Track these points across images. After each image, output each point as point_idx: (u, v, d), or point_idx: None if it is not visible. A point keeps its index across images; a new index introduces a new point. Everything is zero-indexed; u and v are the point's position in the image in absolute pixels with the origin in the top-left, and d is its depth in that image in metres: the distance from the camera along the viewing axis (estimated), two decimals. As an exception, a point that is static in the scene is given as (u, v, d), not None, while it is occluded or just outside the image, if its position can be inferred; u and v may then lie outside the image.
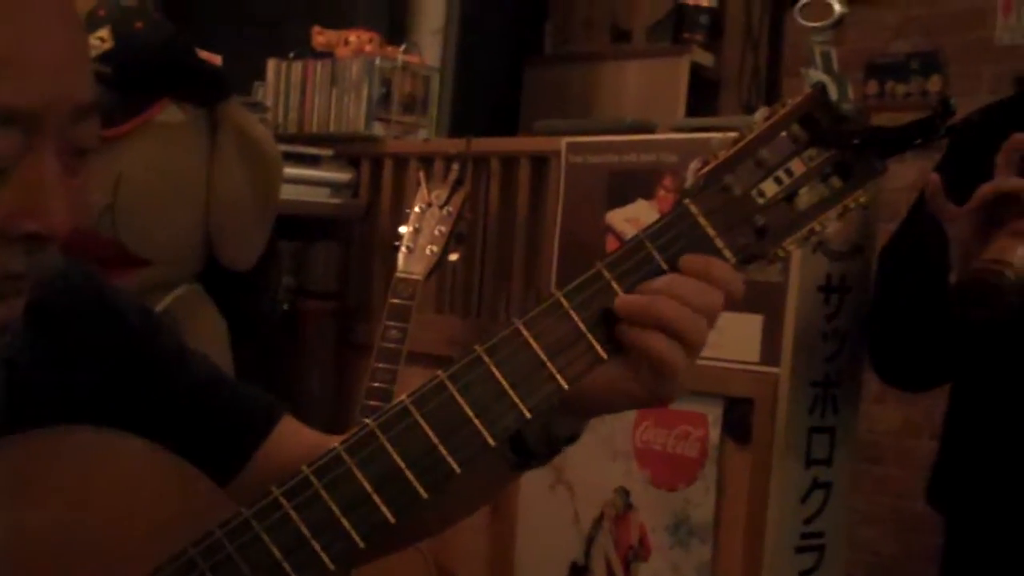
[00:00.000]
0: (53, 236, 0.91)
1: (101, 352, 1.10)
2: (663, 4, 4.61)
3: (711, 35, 4.47)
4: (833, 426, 2.36)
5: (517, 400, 1.00)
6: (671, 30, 4.52)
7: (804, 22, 1.09)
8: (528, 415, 1.00)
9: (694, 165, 1.07)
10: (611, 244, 2.63)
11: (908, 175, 3.98)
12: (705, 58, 4.45)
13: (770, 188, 1.05)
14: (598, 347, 1.01)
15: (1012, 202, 1.53)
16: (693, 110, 4.32)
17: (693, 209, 1.03)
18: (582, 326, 1.01)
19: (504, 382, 1.00)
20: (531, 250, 2.94)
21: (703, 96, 4.44)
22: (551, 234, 2.80)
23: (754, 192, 1.05)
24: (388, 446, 0.98)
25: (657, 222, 1.03)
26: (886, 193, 3.72)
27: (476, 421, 0.99)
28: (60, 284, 1.04)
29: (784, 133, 1.06)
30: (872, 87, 4.17)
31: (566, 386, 1.01)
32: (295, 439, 1.18)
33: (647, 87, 4.46)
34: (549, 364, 1.00)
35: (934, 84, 4.03)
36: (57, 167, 0.91)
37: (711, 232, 1.03)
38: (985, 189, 1.55)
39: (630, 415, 2.54)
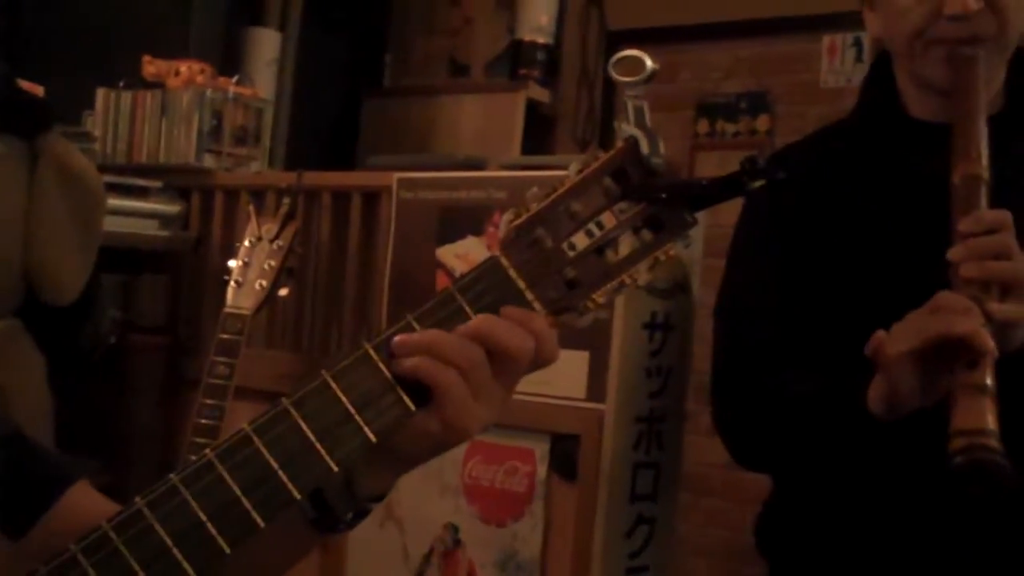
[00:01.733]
0: None
1: None
2: (501, 40, 4.64)
3: (548, 72, 4.51)
4: (658, 462, 2.39)
5: (323, 453, 0.99)
6: (508, 66, 4.56)
7: (618, 77, 1.10)
8: (335, 469, 0.99)
9: (507, 216, 1.07)
10: (441, 280, 2.64)
11: (736, 212, 4.07)
12: (542, 94, 4.50)
13: (581, 241, 1.05)
14: (406, 399, 1.01)
15: (960, 347, 1.40)
16: (529, 146, 4.36)
17: (504, 262, 1.04)
18: (390, 378, 1.00)
19: (311, 435, 0.99)
20: (362, 285, 2.93)
21: (539, 132, 4.48)
22: (382, 269, 2.79)
23: (565, 245, 1.05)
24: (190, 500, 0.97)
25: (468, 274, 1.03)
26: (713, 229, 3.80)
27: (281, 474, 0.98)
28: None
29: (596, 186, 1.06)
30: (703, 126, 4.26)
31: (374, 439, 1.00)
32: (93, 500, 1.14)
33: (484, 122, 4.48)
34: (357, 417, 1.00)
35: (762, 123, 4.13)
36: None
37: (521, 285, 1.03)
38: (932, 332, 1.41)
39: (459, 450, 2.54)
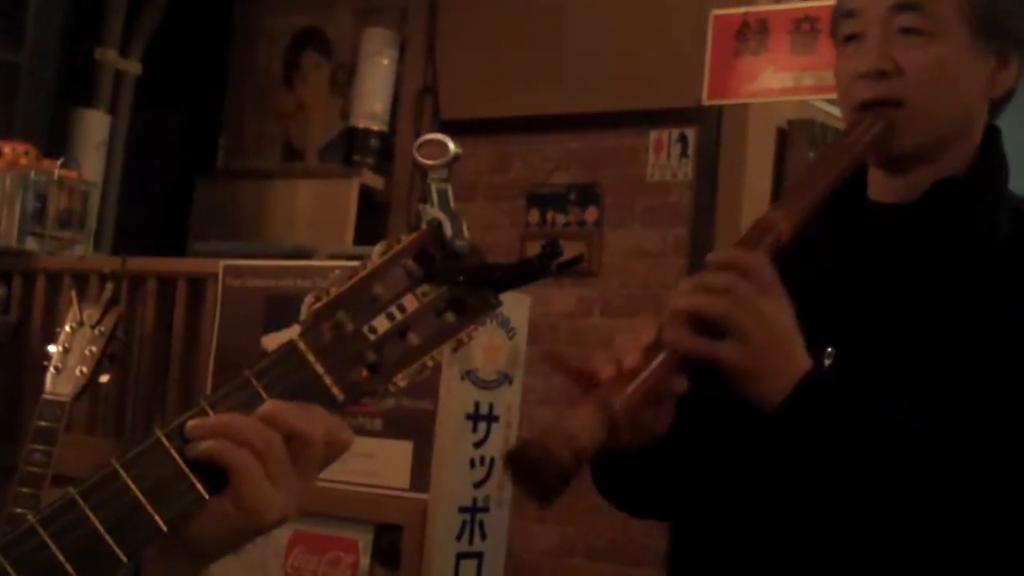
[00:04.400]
0: None
1: None
2: (335, 126, 4.65)
3: (381, 159, 4.52)
4: (481, 551, 2.38)
5: (112, 544, 0.95)
6: (343, 152, 4.56)
7: (422, 160, 1.10)
8: (124, 559, 0.96)
9: (308, 299, 1.06)
10: (267, 367, 2.60)
11: (567, 302, 4.12)
12: (376, 181, 4.50)
13: (382, 324, 1.05)
14: (199, 486, 0.98)
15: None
16: (363, 232, 4.35)
17: (302, 346, 1.02)
18: (183, 465, 0.98)
19: (99, 526, 0.95)
20: (187, 371, 2.88)
21: (373, 218, 4.48)
22: (207, 355, 2.76)
23: (366, 328, 1.04)
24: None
25: (266, 359, 1.02)
26: (542, 318, 3.84)
27: (68, 567, 0.94)
28: None
29: (399, 269, 1.06)
30: (534, 215, 4.30)
31: (165, 528, 0.97)
32: None
33: (318, 207, 4.47)
34: (147, 505, 0.97)
35: (591, 214, 4.19)
36: None
37: (319, 369, 1.02)
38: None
39: (281, 540, 2.50)
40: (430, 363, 1.06)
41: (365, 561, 2.42)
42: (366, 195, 4.46)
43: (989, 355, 1.48)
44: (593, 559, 3.84)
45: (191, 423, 0.99)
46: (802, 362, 1.42)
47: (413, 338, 1.05)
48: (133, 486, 0.97)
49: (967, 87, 1.58)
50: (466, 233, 1.08)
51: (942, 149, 1.59)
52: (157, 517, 0.97)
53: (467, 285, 1.05)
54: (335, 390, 1.02)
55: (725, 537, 1.64)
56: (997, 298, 1.51)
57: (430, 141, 1.12)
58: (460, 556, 2.34)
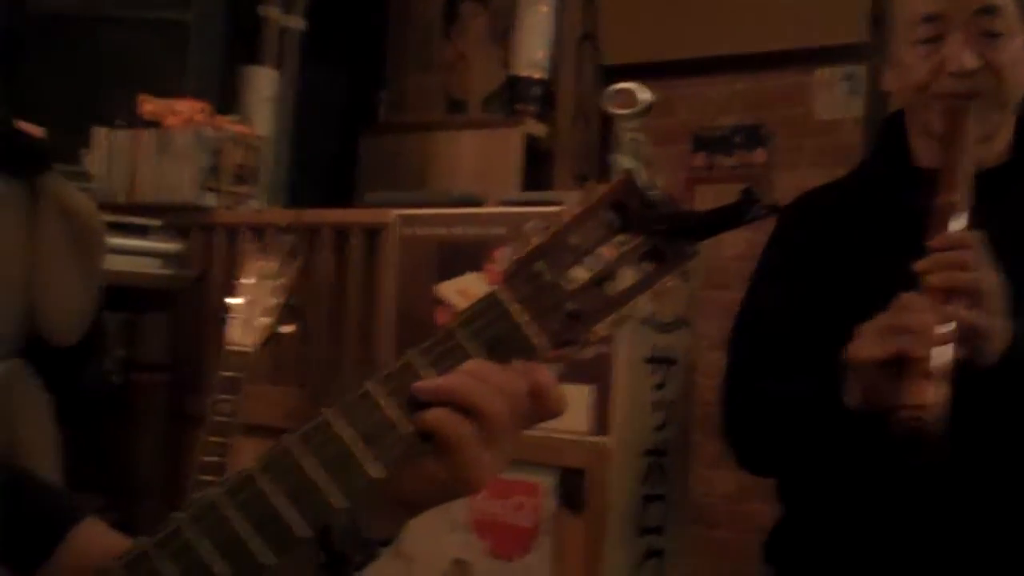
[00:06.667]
0: None
1: None
2: (496, 76, 4.67)
3: (544, 107, 4.53)
4: (664, 495, 2.39)
5: (327, 491, 0.99)
6: (505, 101, 4.57)
7: (613, 110, 1.10)
8: (338, 506, 0.99)
9: (507, 251, 1.08)
10: (442, 315, 2.64)
11: (738, 245, 4.08)
12: (539, 129, 4.51)
13: (581, 274, 1.06)
14: (409, 435, 1.01)
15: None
16: (528, 180, 4.37)
17: (503, 296, 1.04)
18: (391, 415, 1.00)
19: (314, 473, 0.99)
20: (364, 320, 2.93)
21: (538, 166, 4.49)
22: (384, 305, 2.80)
23: (565, 278, 1.05)
24: (198, 539, 0.97)
25: (467, 309, 1.03)
26: (715, 262, 3.82)
27: (287, 512, 0.98)
28: None
29: (596, 219, 1.07)
30: (699, 159, 4.27)
31: (377, 476, 1.00)
32: (99, 538, 1.15)
33: (482, 157, 4.50)
34: (359, 454, 1.00)
35: (758, 156, 4.14)
36: None
37: (521, 319, 1.04)
38: (893, 348, 1.55)
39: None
40: (629, 313, 1.06)
41: (549, 504, 2.45)
42: (530, 143, 4.47)
43: None
44: (770, 503, 3.82)
45: (417, 385, 1.01)
46: (1007, 323, 1.61)
47: (612, 288, 1.06)
48: (346, 434, 1.00)
49: None
50: (660, 182, 1.08)
51: (1002, 126, 1.86)
52: (372, 465, 1.00)
53: (665, 234, 1.06)
54: (536, 340, 1.04)
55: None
56: None
57: (621, 90, 1.12)
58: (645, 499, 2.36)
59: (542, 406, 1.04)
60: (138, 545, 0.97)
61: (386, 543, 1.10)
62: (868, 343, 1.59)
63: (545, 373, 1.03)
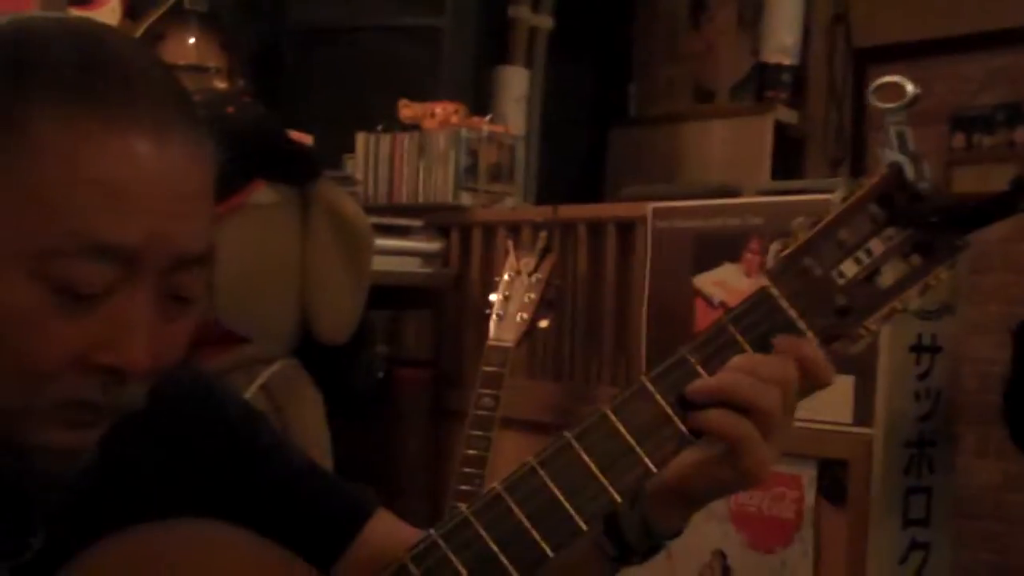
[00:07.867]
0: (130, 372, 0.92)
1: (204, 447, 1.14)
2: (744, 63, 4.64)
3: (794, 93, 4.48)
4: (930, 486, 2.34)
5: (606, 484, 1.02)
6: (754, 89, 4.54)
7: (878, 103, 1.10)
8: (618, 499, 1.02)
9: (774, 246, 1.09)
10: (699, 308, 2.65)
11: (1002, 226, 3.95)
12: (789, 116, 4.46)
13: (850, 268, 1.06)
14: (684, 430, 1.03)
15: None
16: (779, 168, 4.33)
17: (774, 292, 1.05)
18: (668, 410, 1.03)
19: (593, 467, 1.02)
20: (620, 314, 2.96)
21: (789, 154, 4.44)
22: (639, 298, 2.82)
23: (834, 273, 1.06)
24: (481, 531, 1.01)
25: (739, 305, 1.05)
26: (979, 245, 3.71)
27: (567, 505, 1.02)
28: (170, 384, 1.04)
29: (862, 213, 1.07)
30: (959, 140, 4.16)
31: (655, 469, 1.03)
32: (391, 529, 1.21)
33: (732, 146, 4.48)
34: (637, 448, 1.03)
35: (1020, 135, 4.01)
36: (148, 308, 0.93)
37: (793, 314, 1.05)
38: None
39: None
40: (899, 307, 1.07)
41: (810, 496, 2.43)
42: (781, 130, 4.43)
43: None
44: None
45: (691, 387, 1.03)
46: None
47: (882, 282, 1.06)
48: (622, 430, 1.03)
49: None
50: (928, 174, 1.08)
51: None
52: (647, 460, 1.03)
53: (934, 227, 1.05)
54: (809, 335, 1.05)
55: None
56: None
57: (886, 84, 1.12)
58: (909, 491, 2.32)
59: (812, 377, 1.05)
60: (427, 537, 1.03)
61: (675, 535, 1.13)
62: None
63: (811, 346, 1.04)
